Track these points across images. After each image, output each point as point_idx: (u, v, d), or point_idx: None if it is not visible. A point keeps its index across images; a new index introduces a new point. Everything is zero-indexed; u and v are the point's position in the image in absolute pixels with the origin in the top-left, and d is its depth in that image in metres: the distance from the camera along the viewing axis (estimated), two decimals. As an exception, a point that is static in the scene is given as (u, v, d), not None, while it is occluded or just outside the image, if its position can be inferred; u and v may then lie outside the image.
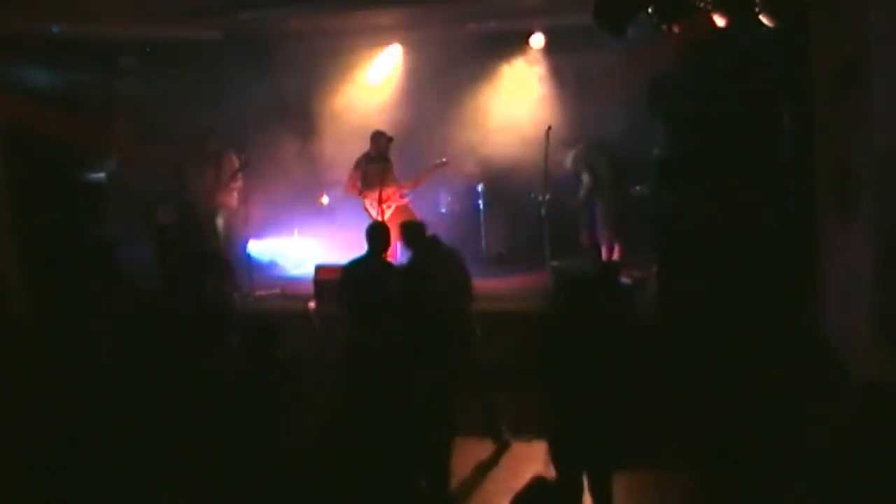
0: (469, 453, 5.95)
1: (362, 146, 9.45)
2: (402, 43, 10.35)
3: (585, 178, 9.21)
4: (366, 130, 9.57)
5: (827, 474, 4.62)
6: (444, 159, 9.34)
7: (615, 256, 9.08)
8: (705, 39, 6.59)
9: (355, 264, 6.61)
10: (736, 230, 6.63)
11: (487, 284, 8.06)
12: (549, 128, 8.85)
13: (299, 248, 10.37)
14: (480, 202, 10.14)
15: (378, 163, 9.17)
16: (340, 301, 6.61)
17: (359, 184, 9.19)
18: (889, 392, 4.80)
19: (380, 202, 8.96)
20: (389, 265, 6.85)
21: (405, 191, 9.20)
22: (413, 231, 6.81)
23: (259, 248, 10.08)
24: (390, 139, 9.20)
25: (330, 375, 5.42)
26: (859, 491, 4.40)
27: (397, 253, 8.21)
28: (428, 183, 9.43)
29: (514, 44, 10.14)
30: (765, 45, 6.37)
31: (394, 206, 9.09)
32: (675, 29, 6.43)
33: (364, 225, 8.77)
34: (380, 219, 8.72)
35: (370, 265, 6.56)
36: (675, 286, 7.00)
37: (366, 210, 9.16)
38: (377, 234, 6.67)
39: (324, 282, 8.25)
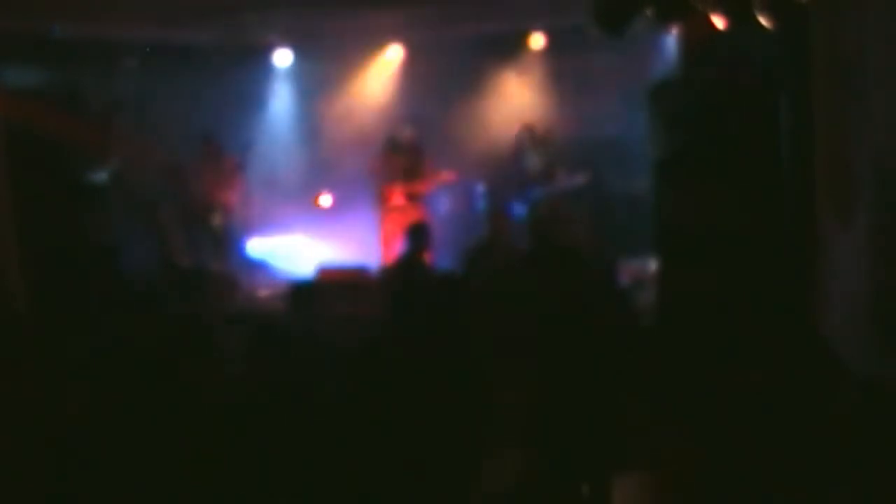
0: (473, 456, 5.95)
1: (360, 146, 9.46)
2: (404, 44, 10.37)
3: None
4: (364, 130, 9.58)
5: (826, 474, 4.62)
6: (451, 175, 9.29)
7: None
8: (705, 40, 6.60)
9: (399, 266, 6.66)
10: (735, 230, 6.63)
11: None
12: (550, 127, 8.88)
13: (299, 249, 10.38)
14: (480, 202, 10.15)
15: (401, 155, 9.13)
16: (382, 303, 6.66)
17: (384, 174, 9.16)
18: (889, 392, 4.81)
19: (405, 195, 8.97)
20: (429, 267, 6.87)
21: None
22: None
23: (259, 248, 10.09)
24: (411, 133, 9.13)
25: (332, 377, 5.42)
26: (859, 491, 4.40)
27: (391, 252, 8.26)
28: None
29: (514, 45, 10.19)
30: (764, 45, 6.38)
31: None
32: (675, 29, 6.45)
33: (363, 225, 8.84)
34: (394, 213, 8.77)
35: (414, 266, 6.60)
36: (675, 286, 7.00)
37: (383, 201, 9.10)
38: (421, 234, 6.72)
39: (324, 282, 8.26)
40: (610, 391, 4.73)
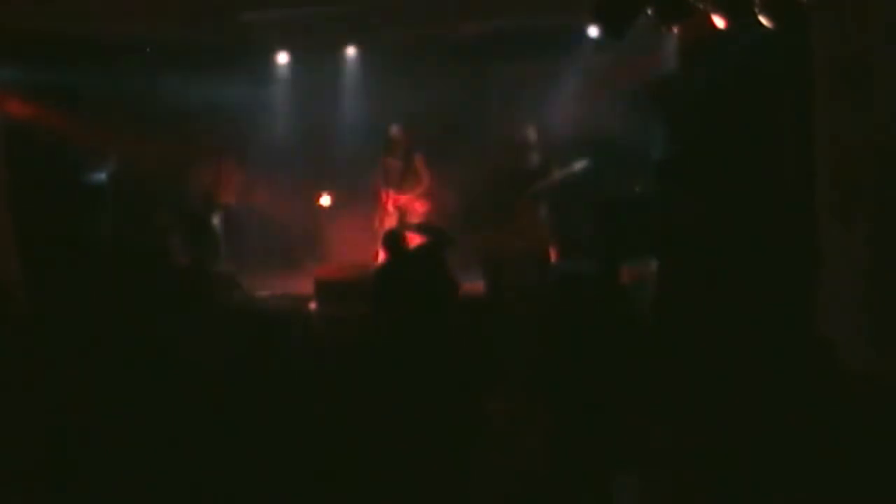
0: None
1: (360, 146, 9.46)
2: (398, 44, 10.34)
3: None
4: (363, 130, 9.58)
5: (826, 474, 4.62)
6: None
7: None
8: (705, 40, 6.61)
9: (387, 269, 6.75)
10: (735, 230, 6.64)
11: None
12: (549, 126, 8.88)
13: (299, 248, 10.37)
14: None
15: (395, 159, 9.11)
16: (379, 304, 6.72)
17: (381, 179, 9.16)
18: (888, 392, 4.81)
19: (393, 204, 8.97)
20: (410, 272, 6.88)
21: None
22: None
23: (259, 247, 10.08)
24: (402, 134, 9.10)
25: (332, 376, 5.43)
26: (859, 491, 4.40)
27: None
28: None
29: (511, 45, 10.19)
30: (764, 45, 6.38)
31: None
32: (675, 30, 6.46)
33: (363, 225, 8.80)
34: (391, 219, 8.78)
35: (401, 266, 6.67)
36: (675, 286, 7.01)
37: (382, 207, 9.11)
38: (394, 242, 6.79)
39: (324, 282, 8.26)
40: (610, 391, 4.73)
